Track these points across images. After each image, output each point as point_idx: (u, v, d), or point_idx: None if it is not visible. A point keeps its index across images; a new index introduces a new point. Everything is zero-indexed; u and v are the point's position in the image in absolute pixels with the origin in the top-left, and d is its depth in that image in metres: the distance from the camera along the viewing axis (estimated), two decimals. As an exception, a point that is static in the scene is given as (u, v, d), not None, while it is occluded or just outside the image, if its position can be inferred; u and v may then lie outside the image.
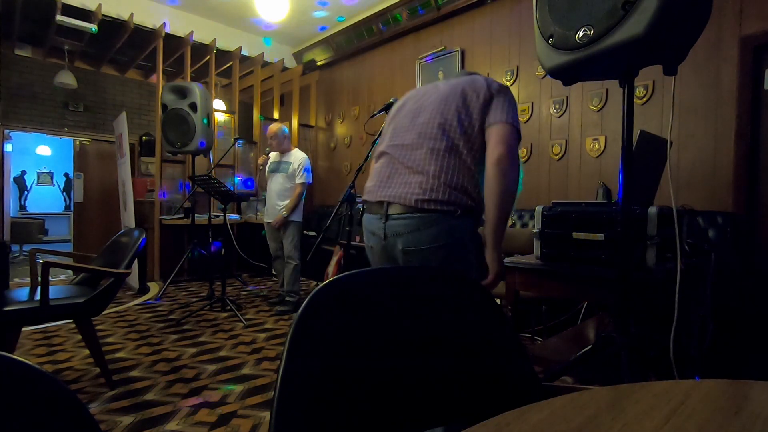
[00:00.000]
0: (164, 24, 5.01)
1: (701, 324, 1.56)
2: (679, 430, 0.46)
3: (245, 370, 2.43)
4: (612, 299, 1.59)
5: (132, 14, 4.83)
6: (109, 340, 2.93)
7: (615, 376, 1.36)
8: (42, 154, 9.92)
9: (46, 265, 2.01)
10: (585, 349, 1.46)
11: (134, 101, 6.85)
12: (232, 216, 5.28)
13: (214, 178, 3.50)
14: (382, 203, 1.47)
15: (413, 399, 0.72)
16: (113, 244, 2.56)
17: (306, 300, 0.69)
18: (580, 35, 1.21)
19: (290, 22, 5.43)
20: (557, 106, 3.67)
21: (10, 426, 0.43)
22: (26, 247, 7.51)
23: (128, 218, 4.58)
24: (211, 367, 2.47)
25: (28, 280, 2.53)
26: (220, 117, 6.00)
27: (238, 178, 5.81)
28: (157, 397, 2.08)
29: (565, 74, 1.36)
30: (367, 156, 2.10)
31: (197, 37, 5.28)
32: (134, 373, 2.36)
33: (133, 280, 4.48)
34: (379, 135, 2.05)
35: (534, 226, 1.82)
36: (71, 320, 2.18)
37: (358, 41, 5.44)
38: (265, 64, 6.05)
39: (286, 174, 3.70)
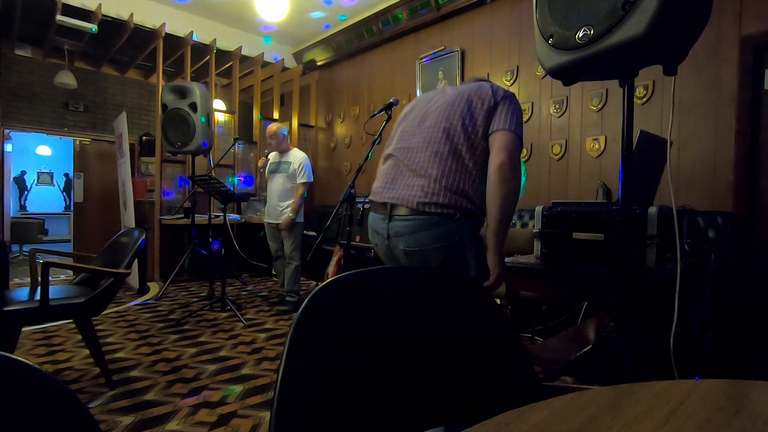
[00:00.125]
0: (164, 24, 5.01)
1: (701, 324, 1.56)
2: (679, 430, 0.46)
3: (245, 370, 2.43)
4: (612, 299, 1.60)
5: (132, 14, 4.83)
6: (109, 340, 2.93)
7: (615, 376, 1.36)
8: (42, 154, 9.93)
9: (46, 265, 2.01)
10: (585, 349, 1.46)
11: (134, 101, 6.84)
12: (232, 216, 5.27)
13: (214, 178, 3.50)
14: (386, 204, 1.52)
15: (413, 399, 0.72)
16: (113, 244, 2.56)
17: (306, 300, 0.69)
18: (580, 35, 1.21)
19: (290, 22, 5.43)
20: (557, 106, 3.67)
21: (10, 426, 0.43)
22: (26, 247, 7.51)
23: (128, 218, 4.59)
24: (211, 367, 2.47)
25: (28, 280, 2.52)
26: (220, 117, 6.01)
27: (238, 179, 5.81)
28: (157, 397, 2.08)
29: (565, 74, 1.36)
30: (368, 156, 2.10)
31: (197, 37, 5.28)
32: (134, 373, 2.36)
33: (133, 280, 4.48)
34: (379, 135, 2.07)
35: (534, 226, 1.82)
36: (71, 320, 2.18)
37: (358, 41, 5.44)
38: (265, 64, 6.05)
39: (287, 174, 3.70)
